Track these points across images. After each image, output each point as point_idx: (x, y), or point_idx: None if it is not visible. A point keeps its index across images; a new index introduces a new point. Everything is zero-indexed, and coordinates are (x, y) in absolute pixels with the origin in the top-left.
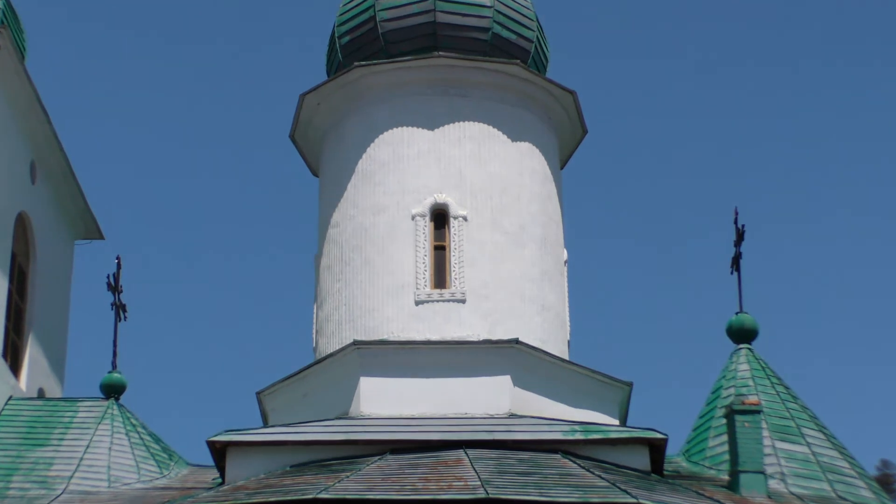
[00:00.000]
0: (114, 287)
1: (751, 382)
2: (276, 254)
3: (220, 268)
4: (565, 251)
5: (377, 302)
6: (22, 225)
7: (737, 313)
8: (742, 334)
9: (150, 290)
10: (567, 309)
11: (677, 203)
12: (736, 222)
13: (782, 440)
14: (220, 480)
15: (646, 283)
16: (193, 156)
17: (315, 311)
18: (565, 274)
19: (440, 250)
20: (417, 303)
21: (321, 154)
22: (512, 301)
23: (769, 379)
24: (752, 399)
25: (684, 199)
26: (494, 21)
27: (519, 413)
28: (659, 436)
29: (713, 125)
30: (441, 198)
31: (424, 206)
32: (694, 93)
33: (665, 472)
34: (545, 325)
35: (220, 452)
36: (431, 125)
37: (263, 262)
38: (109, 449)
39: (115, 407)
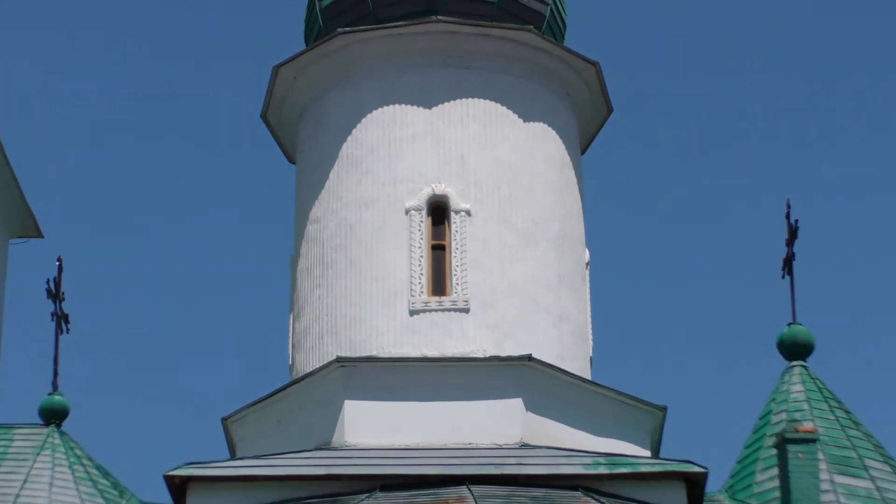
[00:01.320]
0: (54, 294)
1: (805, 406)
2: (245, 255)
3: (179, 271)
4: (587, 251)
5: (364, 311)
6: None
7: (789, 325)
8: (795, 349)
9: (98, 298)
10: (589, 319)
11: (718, 195)
12: (788, 217)
13: (842, 473)
14: None
15: (681, 290)
16: (147, 142)
17: (291, 321)
18: (587, 278)
19: (439, 250)
20: (412, 312)
21: (298, 137)
22: (524, 310)
23: (827, 402)
24: (807, 426)
25: (726, 189)
26: None
27: (532, 443)
28: (698, 469)
29: (761, 104)
30: (440, 188)
31: (420, 199)
32: (739, 66)
33: None
34: (563, 339)
35: (179, 489)
36: (428, 102)
37: (230, 265)
38: (50, 484)
39: (56, 435)
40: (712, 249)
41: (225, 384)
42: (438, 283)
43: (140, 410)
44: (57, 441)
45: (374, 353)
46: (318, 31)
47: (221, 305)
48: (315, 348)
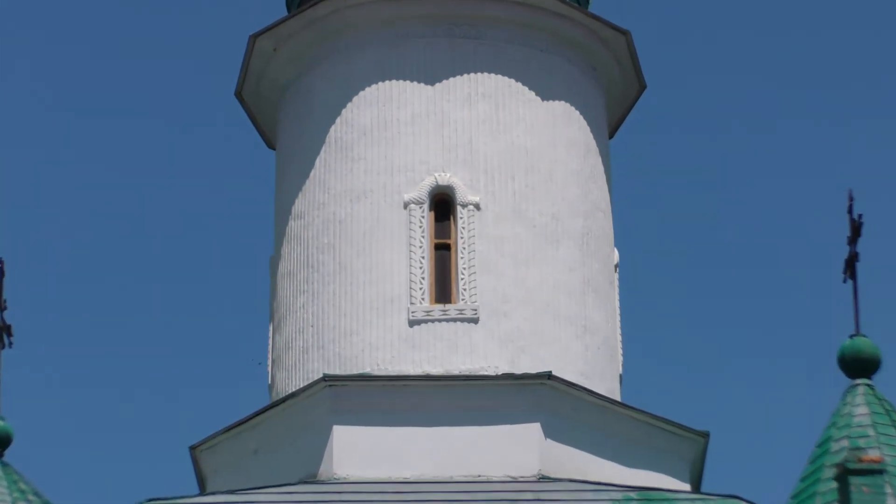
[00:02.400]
0: None
1: (871, 431)
2: (217, 256)
3: (139, 275)
4: (616, 251)
5: (356, 322)
6: None
7: (851, 336)
8: (859, 365)
9: (44, 307)
10: (618, 331)
11: (767, 185)
12: (850, 211)
13: None
14: None
15: (725, 296)
16: (102, 122)
17: (270, 334)
18: (616, 283)
19: (443, 250)
20: (412, 322)
21: (279, 118)
22: (542, 320)
23: (895, 426)
24: (873, 454)
25: (777, 179)
26: None
27: (552, 475)
28: None
29: (819, 78)
30: (444, 178)
31: (421, 190)
32: (792, 35)
33: None
34: (588, 354)
35: None
36: (431, 78)
37: (199, 268)
38: None
39: None
40: (761, 249)
41: (193, 406)
42: (443, 289)
43: (95, 437)
44: None
45: (367, 370)
46: None
47: (189, 315)
48: (299, 365)
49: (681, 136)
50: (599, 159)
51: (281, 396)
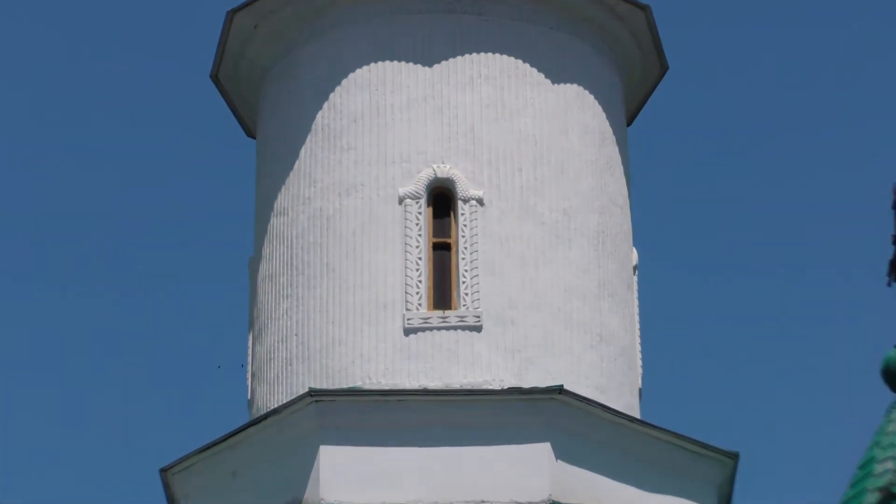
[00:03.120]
0: None
1: None
2: (190, 257)
3: (102, 276)
4: (635, 251)
5: (346, 330)
6: None
7: None
8: None
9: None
10: (637, 340)
11: (803, 179)
12: None
13: None
14: None
15: (756, 301)
16: (56, 107)
17: (250, 343)
18: (635, 287)
19: (442, 250)
20: (408, 331)
21: (259, 103)
22: (553, 328)
23: None
24: None
25: (813, 171)
26: None
27: (564, 500)
28: None
29: (859, 59)
30: (444, 170)
31: (418, 184)
32: (834, 15)
33: None
34: (604, 366)
35: None
36: (429, 59)
37: (171, 270)
38: None
39: None
40: (795, 248)
41: (165, 425)
42: (442, 294)
43: (55, 456)
44: None
45: (357, 383)
46: None
47: (160, 322)
48: (281, 378)
49: (707, 124)
50: (616, 148)
51: (262, 413)
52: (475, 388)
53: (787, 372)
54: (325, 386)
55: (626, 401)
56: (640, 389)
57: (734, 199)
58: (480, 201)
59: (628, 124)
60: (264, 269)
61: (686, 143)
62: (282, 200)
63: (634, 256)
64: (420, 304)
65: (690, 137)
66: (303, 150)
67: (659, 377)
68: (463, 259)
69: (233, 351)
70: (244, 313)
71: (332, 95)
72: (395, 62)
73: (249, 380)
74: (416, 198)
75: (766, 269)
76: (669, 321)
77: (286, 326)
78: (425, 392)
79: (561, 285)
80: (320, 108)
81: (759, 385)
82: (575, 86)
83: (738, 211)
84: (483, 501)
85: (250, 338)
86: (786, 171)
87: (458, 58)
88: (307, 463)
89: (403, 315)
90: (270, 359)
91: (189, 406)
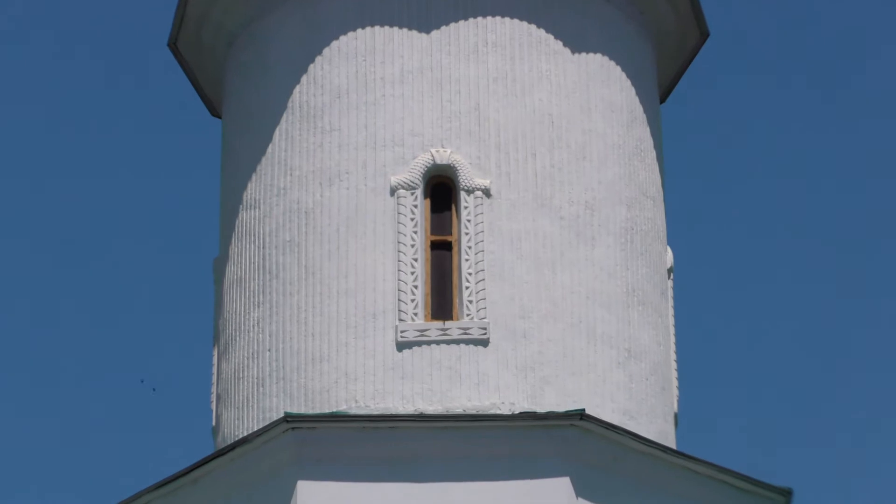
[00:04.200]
0: None
1: None
2: (144, 256)
3: (47, 283)
4: (670, 251)
5: (328, 344)
6: None
7: None
8: None
9: None
10: (673, 356)
11: (859, 163)
12: None
13: None
14: None
15: (807, 311)
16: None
17: (215, 359)
18: (670, 293)
19: (442, 249)
20: (401, 345)
21: (225, 77)
22: (573, 342)
23: None
24: None
25: (871, 155)
26: None
27: None
28: None
29: None
30: (443, 155)
31: (414, 171)
32: None
33: None
34: (633, 386)
35: None
36: (426, 25)
37: (125, 273)
38: None
39: None
40: (851, 247)
41: (119, 456)
42: (442, 301)
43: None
44: None
45: (342, 407)
46: None
47: (112, 335)
48: (252, 401)
49: (753, 101)
50: (648, 130)
51: (229, 443)
52: (481, 412)
53: (845, 395)
54: (303, 410)
55: (659, 427)
56: (675, 414)
57: (786, 190)
58: (487, 192)
59: (662, 101)
60: (232, 271)
61: (729, 123)
62: (252, 191)
63: (669, 257)
64: (416, 314)
65: (734, 116)
66: (276, 132)
67: (698, 400)
68: (466, 260)
69: (194, 368)
70: (208, 324)
71: (310, 67)
72: (386, 27)
73: (214, 403)
74: (411, 188)
75: (818, 274)
76: (710, 334)
77: (257, 340)
78: (422, 417)
79: (582, 291)
80: (297, 81)
81: (814, 412)
82: (598, 55)
83: (791, 204)
84: None
85: (215, 353)
86: (838, 154)
87: (461, 22)
88: (282, 501)
89: (396, 326)
90: (239, 378)
91: (145, 435)
